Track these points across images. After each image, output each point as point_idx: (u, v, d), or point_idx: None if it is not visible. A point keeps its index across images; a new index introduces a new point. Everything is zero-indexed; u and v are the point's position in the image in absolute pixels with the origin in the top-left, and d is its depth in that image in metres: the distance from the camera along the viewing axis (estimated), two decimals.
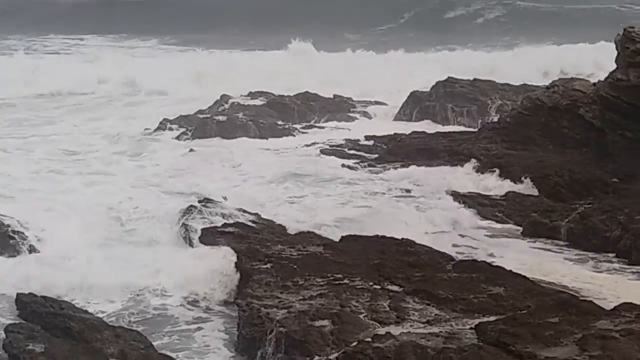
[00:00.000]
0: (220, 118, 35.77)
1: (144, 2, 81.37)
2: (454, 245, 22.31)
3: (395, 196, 26.08)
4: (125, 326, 17.43)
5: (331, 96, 41.66)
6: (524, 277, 19.36)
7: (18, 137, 35.67)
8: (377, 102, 41.98)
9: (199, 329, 17.87)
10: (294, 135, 34.52)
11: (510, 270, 19.64)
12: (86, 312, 17.89)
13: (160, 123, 35.41)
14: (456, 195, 25.61)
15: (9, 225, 21.94)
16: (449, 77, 39.50)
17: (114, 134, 35.43)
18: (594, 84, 29.13)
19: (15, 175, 28.34)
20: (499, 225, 24.12)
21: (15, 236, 21.72)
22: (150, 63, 58.07)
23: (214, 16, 71.58)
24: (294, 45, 55.14)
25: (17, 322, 17.07)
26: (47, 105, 45.80)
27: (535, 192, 26.02)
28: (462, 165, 28.22)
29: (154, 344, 16.59)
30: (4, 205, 23.74)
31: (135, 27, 73.22)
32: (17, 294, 18.26)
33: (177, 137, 34.23)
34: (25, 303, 17.90)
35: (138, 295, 19.13)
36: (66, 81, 50.78)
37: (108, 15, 78.20)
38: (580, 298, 17.83)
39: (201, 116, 36.68)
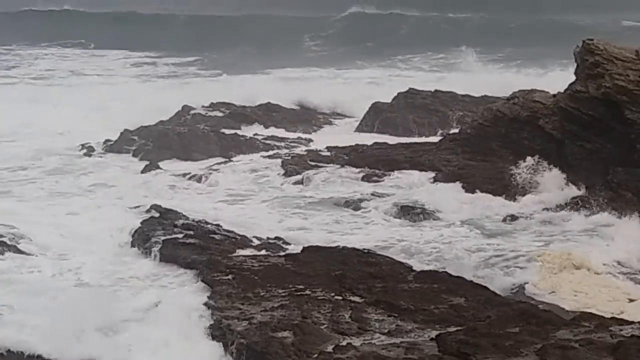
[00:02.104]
0: (181, 129, 35.56)
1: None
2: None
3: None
4: None
5: (293, 107, 41.73)
6: (485, 287, 19.49)
7: None
8: (338, 114, 41.89)
9: None
10: (255, 146, 34.25)
11: (471, 281, 19.76)
12: None
13: (122, 134, 35.07)
14: None
15: None
16: (410, 89, 39.57)
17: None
18: (554, 96, 29.23)
19: None
20: None
21: None
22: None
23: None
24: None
25: None
26: None
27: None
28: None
29: None
30: None
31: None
32: None
33: (135, 153, 33.99)
34: None
35: None
36: None
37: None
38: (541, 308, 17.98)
39: (162, 127, 36.43)
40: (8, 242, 22.15)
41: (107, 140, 34.99)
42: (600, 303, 19.20)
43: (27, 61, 60.65)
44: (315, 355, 15.47)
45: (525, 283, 20.17)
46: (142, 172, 30.45)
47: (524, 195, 26.29)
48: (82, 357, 16.23)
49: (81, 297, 18.73)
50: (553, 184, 26.48)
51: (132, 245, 22.50)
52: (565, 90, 28.70)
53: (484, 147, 29.88)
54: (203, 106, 40.44)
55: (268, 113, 40.64)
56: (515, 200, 26.11)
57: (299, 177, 28.85)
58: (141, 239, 22.52)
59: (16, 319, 17.51)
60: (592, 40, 28.09)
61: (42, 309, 17.87)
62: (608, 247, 22.17)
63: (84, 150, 34.12)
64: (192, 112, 39.57)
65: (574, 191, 25.99)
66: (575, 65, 28.72)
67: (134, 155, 33.46)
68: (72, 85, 51.18)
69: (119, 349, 16.65)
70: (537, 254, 21.45)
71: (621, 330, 16.15)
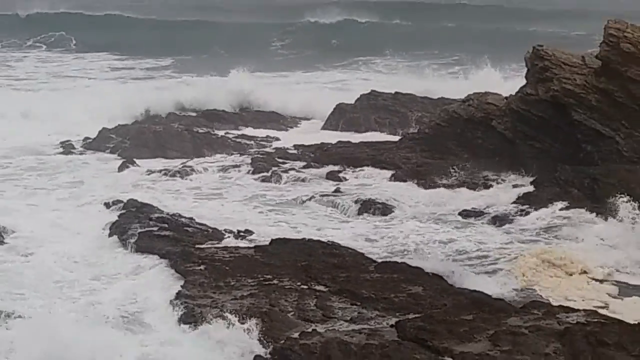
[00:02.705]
0: (157, 128, 35.39)
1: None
2: None
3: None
4: None
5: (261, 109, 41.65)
6: (441, 277, 19.56)
7: None
8: (304, 117, 41.56)
9: None
10: (227, 145, 34.13)
11: (429, 272, 19.81)
12: None
13: (100, 132, 34.82)
14: None
15: None
16: (372, 91, 39.59)
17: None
18: (506, 98, 29.43)
19: None
20: None
21: None
22: None
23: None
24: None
25: None
26: None
27: None
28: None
29: None
30: None
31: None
32: None
33: (112, 150, 33.54)
34: None
35: None
36: None
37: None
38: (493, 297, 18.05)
39: (138, 126, 36.22)
40: None
41: (87, 138, 34.72)
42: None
43: (8, 64, 59.77)
44: (282, 341, 15.46)
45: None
46: (119, 168, 30.16)
47: (477, 191, 26.45)
48: None
49: None
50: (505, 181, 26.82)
51: (110, 236, 22.36)
52: (517, 93, 28.98)
53: (441, 145, 29.96)
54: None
55: (238, 113, 40.64)
56: (470, 195, 26.22)
57: (266, 174, 28.74)
58: (118, 231, 22.38)
59: None
60: (541, 46, 28.35)
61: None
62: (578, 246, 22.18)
63: (63, 148, 33.75)
64: (167, 111, 39.47)
65: (524, 188, 26.16)
66: (525, 69, 28.96)
67: (111, 152, 33.17)
68: (55, 87, 50.41)
69: None
70: (515, 255, 21.24)
71: (567, 317, 16.26)
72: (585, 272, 20.40)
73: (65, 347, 15.06)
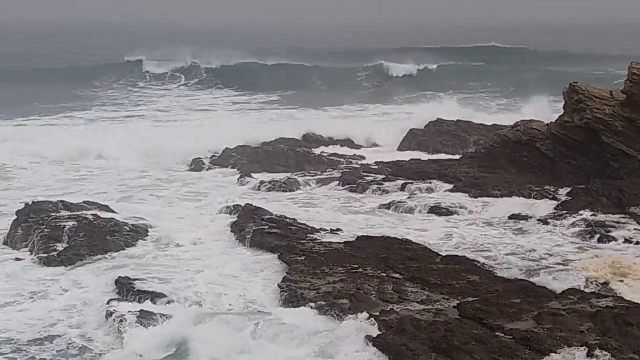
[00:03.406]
0: (268, 148, 35.55)
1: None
2: None
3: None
4: None
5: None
6: (494, 268, 19.26)
7: None
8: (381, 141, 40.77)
9: None
10: (322, 161, 34.06)
11: (484, 263, 19.56)
12: None
13: (223, 152, 35.24)
14: None
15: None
16: (438, 119, 39.27)
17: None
18: (548, 125, 29.04)
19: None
20: None
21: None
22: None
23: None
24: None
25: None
26: None
27: None
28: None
29: None
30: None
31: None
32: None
33: (233, 166, 33.32)
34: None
35: None
36: None
37: None
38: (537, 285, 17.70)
39: (253, 146, 36.34)
40: (141, 232, 22.41)
41: (213, 156, 35.06)
42: None
43: (153, 99, 60.76)
44: (367, 317, 15.45)
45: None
46: (238, 180, 30.38)
47: (524, 199, 26.00)
48: None
49: None
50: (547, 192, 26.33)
51: (232, 234, 22.48)
52: (556, 120, 28.57)
53: (494, 163, 29.60)
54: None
55: (331, 137, 40.44)
56: (517, 203, 25.82)
57: (354, 185, 28.65)
58: (237, 229, 22.56)
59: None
60: (577, 83, 27.96)
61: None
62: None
63: (194, 164, 33.90)
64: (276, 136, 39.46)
65: (563, 197, 25.66)
66: (563, 101, 28.55)
67: (232, 168, 33.42)
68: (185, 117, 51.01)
69: None
70: (583, 264, 19.63)
71: (598, 302, 15.97)
72: None
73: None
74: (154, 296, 17.25)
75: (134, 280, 18.13)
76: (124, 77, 69.88)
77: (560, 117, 28.54)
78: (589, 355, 13.33)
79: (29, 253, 21.01)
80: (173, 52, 75.45)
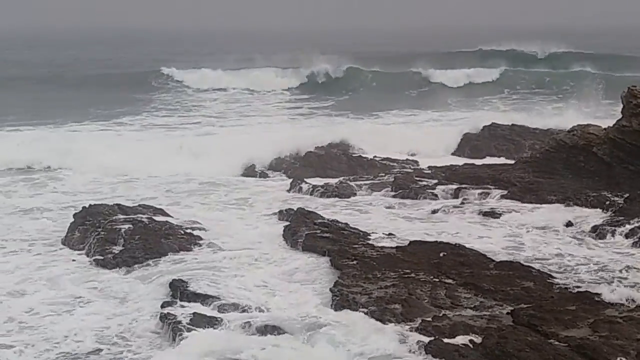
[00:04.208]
0: (320, 152, 35.60)
1: None
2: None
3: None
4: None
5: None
6: (549, 274, 19.06)
7: None
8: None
9: None
10: (374, 165, 33.96)
11: (538, 270, 19.34)
12: None
13: (276, 158, 35.06)
14: None
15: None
16: (492, 123, 38.95)
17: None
18: (605, 129, 28.58)
19: None
20: None
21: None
22: None
23: None
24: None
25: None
26: None
27: None
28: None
29: None
30: None
31: None
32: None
33: (285, 171, 33.65)
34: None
35: None
36: None
37: None
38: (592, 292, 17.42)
39: (306, 152, 36.30)
40: (195, 236, 22.61)
41: (266, 162, 35.08)
42: None
43: (203, 104, 61.01)
44: (418, 322, 15.41)
45: None
46: (291, 185, 30.44)
47: (579, 205, 25.67)
48: None
49: None
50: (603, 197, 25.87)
51: (284, 238, 22.65)
52: (614, 124, 28.08)
53: (549, 167, 29.20)
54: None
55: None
56: (574, 210, 25.51)
57: (406, 190, 28.55)
58: (290, 232, 22.69)
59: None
60: (635, 86, 27.44)
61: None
62: None
63: (246, 170, 33.97)
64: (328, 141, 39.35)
65: (619, 203, 25.20)
66: (621, 105, 28.07)
67: (284, 173, 33.60)
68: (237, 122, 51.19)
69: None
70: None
71: None
72: None
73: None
74: (208, 299, 17.43)
75: (188, 283, 18.34)
76: (172, 86, 69.70)
77: (617, 121, 28.01)
78: None
79: (85, 255, 21.47)
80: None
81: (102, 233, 22.09)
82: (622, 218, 23.71)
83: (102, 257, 20.86)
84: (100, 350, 15.73)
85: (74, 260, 21.16)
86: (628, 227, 22.91)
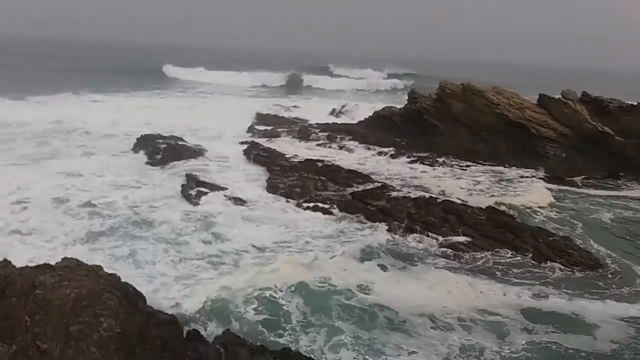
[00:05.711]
0: (270, 114, 31.90)
1: None
2: None
3: None
4: None
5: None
6: (369, 176, 18.44)
7: None
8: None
9: None
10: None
11: (367, 174, 18.49)
12: None
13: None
14: None
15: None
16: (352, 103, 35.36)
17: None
18: (399, 108, 26.65)
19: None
20: None
21: None
22: None
23: None
24: None
25: None
26: None
27: None
28: None
29: None
30: None
31: None
32: None
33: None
34: None
35: None
36: None
37: None
38: None
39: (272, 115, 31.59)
40: (200, 151, 21.18)
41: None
42: None
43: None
44: (307, 198, 15.41)
45: None
46: (249, 128, 27.78)
47: (386, 147, 24.23)
48: None
49: None
50: None
51: (244, 154, 21.26)
52: (403, 106, 25.98)
53: (373, 126, 26.71)
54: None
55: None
56: (382, 148, 24.03)
57: (304, 134, 26.69)
58: (247, 152, 21.43)
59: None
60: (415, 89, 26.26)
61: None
62: None
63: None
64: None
65: (401, 143, 23.95)
66: (407, 98, 25.94)
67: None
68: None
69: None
70: None
71: None
72: None
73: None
74: (205, 184, 17.11)
75: (196, 175, 17.98)
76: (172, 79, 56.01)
77: (405, 105, 26.55)
78: None
79: (143, 158, 20.49)
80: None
81: (150, 148, 21.44)
82: (403, 151, 23.73)
83: (150, 160, 20.28)
84: (145, 203, 15.15)
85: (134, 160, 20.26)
86: (407, 156, 23.05)
